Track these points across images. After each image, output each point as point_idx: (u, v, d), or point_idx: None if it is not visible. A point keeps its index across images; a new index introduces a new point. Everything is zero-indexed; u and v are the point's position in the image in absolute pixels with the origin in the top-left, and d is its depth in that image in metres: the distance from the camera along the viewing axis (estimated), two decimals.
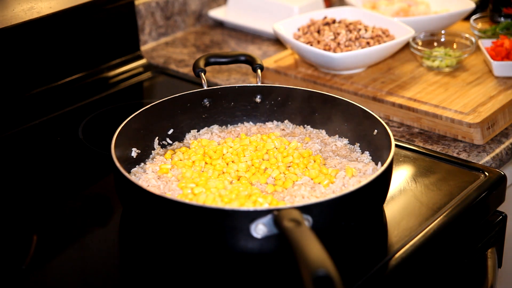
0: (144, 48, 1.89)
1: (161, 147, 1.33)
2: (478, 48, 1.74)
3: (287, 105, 1.39)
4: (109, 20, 1.69)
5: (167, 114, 1.34)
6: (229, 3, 2.00)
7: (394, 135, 1.46)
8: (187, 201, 1.10)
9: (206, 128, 1.38)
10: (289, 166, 1.25)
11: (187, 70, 1.78)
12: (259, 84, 1.39)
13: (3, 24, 1.46)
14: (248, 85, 1.39)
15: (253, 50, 1.89)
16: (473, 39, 1.70)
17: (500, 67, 1.60)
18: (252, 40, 1.95)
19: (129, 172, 1.24)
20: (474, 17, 1.84)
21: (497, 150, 1.44)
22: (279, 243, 1.05)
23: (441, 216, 1.19)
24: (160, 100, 1.33)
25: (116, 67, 1.72)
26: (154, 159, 1.29)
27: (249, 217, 1.04)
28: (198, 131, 1.38)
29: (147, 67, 1.75)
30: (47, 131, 1.50)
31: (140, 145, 1.29)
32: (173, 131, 1.35)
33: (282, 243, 1.03)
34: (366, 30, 1.66)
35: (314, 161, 1.26)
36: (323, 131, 1.36)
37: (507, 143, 1.46)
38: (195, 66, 1.39)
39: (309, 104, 1.37)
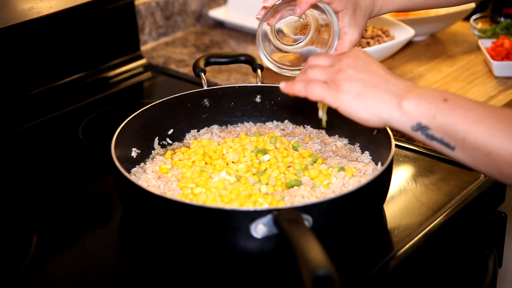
0: (144, 48, 1.89)
1: (161, 147, 1.33)
2: (478, 48, 1.74)
3: (287, 105, 1.39)
4: (109, 20, 1.69)
5: (167, 114, 1.33)
6: (229, 3, 2.00)
7: (394, 135, 1.46)
8: (187, 201, 1.10)
9: (206, 128, 1.38)
10: (289, 166, 1.25)
11: (187, 70, 1.78)
12: (259, 84, 1.39)
13: (3, 24, 1.46)
14: (248, 85, 1.39)
15: (253, 50, 1.89)
16: None
17: (500, 67, 1.60)
18: (252, 40, 1.95)
19: (129, 172, 1.24)
20: (474, 17, 1.84)
21: None
22: (279, 243, 1.05)
23: (441, 216, 1.19)
24: (160, 100, 1.33)
25: (116, 67, 1.71)
26: (154, 159, 1.29)
27: (249, 217, 1.04)
28: (198, 131, 1.37)
29: (147, 67, 1.75)
30: (47, 131, 1.50)
31: (140, 145, 1.29)
32: (173, 131, 1.35)
33: (282, 243, 1.03)
34: (366, 30, 1.66)
35: (315, 161, 1.26)
36: (323, 131, 1.36)
37: None
38: (195, 66, 1.39)
39: (309, 104, 1.36)
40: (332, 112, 1.35)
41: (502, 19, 1.85)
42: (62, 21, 1.58)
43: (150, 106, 1.31)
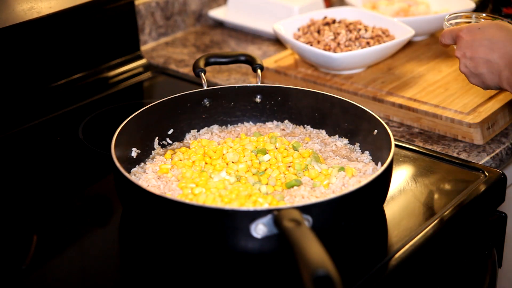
0: (144, 48, 1.89)
1: (161, 147, 1.33)
2: None
3: (287, 105, 1.39)
4: (109, 20, 1.69)
5: (167, 114, 1.34)
6: (229, 3, 2.00)
7: (394, 135, 1.46)
8: (187, 201, 1.10)
9: (206, 128, 1.38)
10: (289, 166, 1.25)
11: (187, 70, 1.78)
12: (259, 84, 1.39)
13: (3, 24, 1.46)
14: (248, 85, 1.39)
15: (253, 50, 1.89)
16: None
17: None
18: (252, 40, 1.95)
19: (129, 172, 1.24)
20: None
21: (497, 150, 1.44)
22: (279, 243, 1.05)
23: (441, 216, 1.19)
24: (160, 100, 1.33)
25: (116, 67, 1.71)
26: (154, 159, 1.29)
27: (249, 217, 1.04)
28: (198, 131, 1.38)
29: (147, 67, 1.75)
30: (47, 131, 1.50)
31: (140, 145, 1.29)
32: (173, 131, 1.35)
33: (282, 243, 1.03)
34: (366, 30, 1.66)
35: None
36: (323, 131, 1.36)
37: (507, 143, 1.46)
38: (195, 66, 1.39)
39: (309, 104, 1.37)
40: (332, 113, 1.35)
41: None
42: (62, 21, 1.58)
43: (150, 106, 1.31)
